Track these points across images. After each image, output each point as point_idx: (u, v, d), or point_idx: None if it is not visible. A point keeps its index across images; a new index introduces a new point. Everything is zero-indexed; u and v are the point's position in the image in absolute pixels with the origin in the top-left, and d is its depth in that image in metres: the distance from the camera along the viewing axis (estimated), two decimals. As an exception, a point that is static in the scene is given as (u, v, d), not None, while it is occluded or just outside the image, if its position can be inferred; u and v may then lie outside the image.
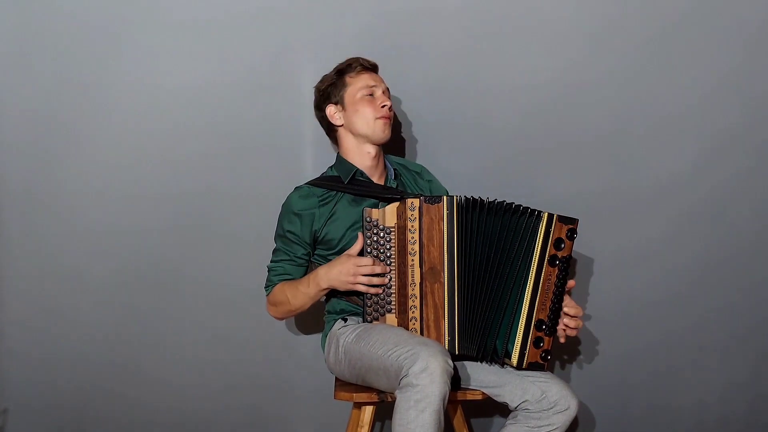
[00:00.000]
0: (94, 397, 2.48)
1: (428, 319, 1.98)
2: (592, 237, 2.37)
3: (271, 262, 2.16)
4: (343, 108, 2.16)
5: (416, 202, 1.98)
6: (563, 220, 1.99)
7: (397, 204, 2.01)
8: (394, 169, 2.22)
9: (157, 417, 2.50)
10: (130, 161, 2.36)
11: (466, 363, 2.08)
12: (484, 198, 2.01)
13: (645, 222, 2.47)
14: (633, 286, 2.51)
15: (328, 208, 2.11)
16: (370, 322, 2.02)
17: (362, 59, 2.18)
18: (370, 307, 2.02)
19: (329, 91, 2.17)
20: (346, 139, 2.18)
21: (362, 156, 2.16)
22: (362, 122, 2.13)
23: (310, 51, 2.31)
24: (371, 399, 2.03)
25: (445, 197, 1.98)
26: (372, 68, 2.19)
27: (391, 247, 2.01)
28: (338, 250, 2.09)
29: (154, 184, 2.37)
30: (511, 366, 2.00)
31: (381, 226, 2.01)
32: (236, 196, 2.39)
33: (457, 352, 1.98)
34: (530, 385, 1.99)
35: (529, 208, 2.00)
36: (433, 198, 1.98)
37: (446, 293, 1.98)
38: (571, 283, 2.05)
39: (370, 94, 2.14)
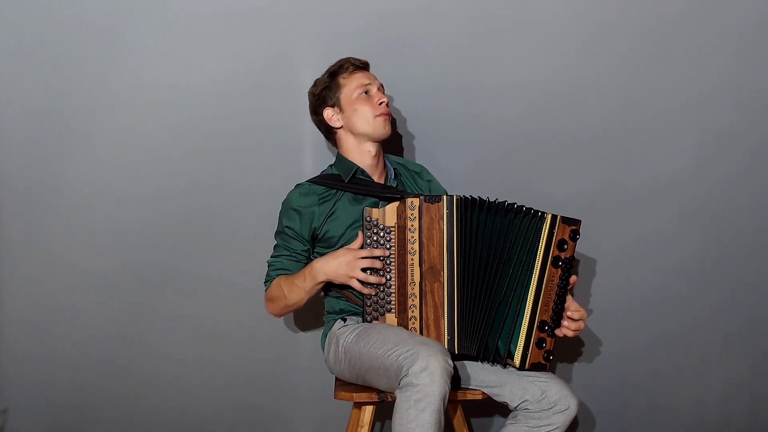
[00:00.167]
0: (94, 396, 2.48)
1: (428, 319, 1.98)
2: (591, 236, 2.37)
3: (270, 257, 2.17)
4: (341, 110, 2.16)
5: (416, 201, 1.98)
6: (566, 221, 1.99)
7: (397, 203, 2.01)
8: (394, 169, 2.22)
9: (157, 416, 2.50)
10: (130, 160, 2.36)
11: (466, 363, 2.07)
12: (486, 198, 2.00)
13: (644, 221, 2.47)
14: (632, 286, 2.51)
15: (328, 206, 2.12)
16: (370, 321, 2.02)
17: (353, 59, 2.18)
18: (369, 306, 2.02)
19: (324, 94, 2.17)
20: (346, 139, 2.18)
21: (362, 155, 2.16)
22: (362, 121, 2.13)
23: (309, 49, 2.32)
24: (371, 399, 2.02)
25: (445, 196, 1.98)
26: (364, 66, 2.19)
27: (391, 246, 2.01)
28: (338, 248, 2.09)
29: (153, 183, 2.37)
30: (514, 367, 2.00)
31: (381, 226, 2.01)
32: (236, 195, 2.39)
33: (456, 352, 1.98)
34: (530, 384, 1.99)
35: (531, 209, 1.99)
36: (433, 197, 1.98)
37: (446, 293, 1.98)
38: (573, 278, 2.05)
39: (366, 92, 2.14)
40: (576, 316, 2.04)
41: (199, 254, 2.42)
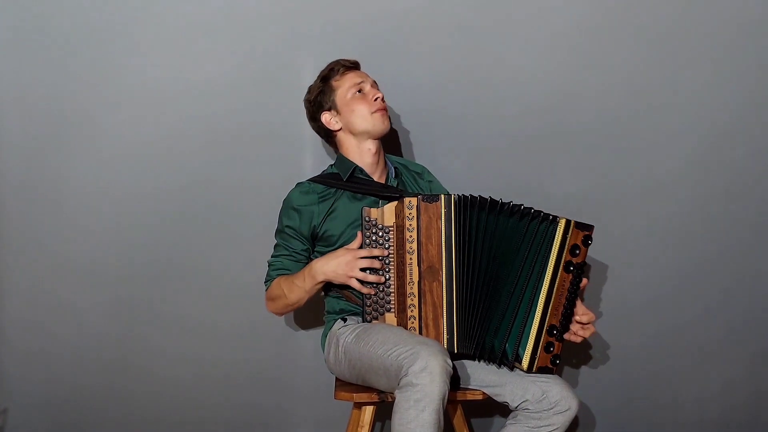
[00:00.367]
0: (95, 394, 2.48)
1: (427, 318, 1.98)
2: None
3: (271, 257, 2.17)
4: (338, 112, 2.16)
5: (414, 201, 1.98)
6: (580, 226, 1.97)
7: (395, 203, 2.01)
8: (395, 168, 2.22)
9: (156, 414, 2.50)
10: (132, 158, 2.36)
11: (466, 362, 2.07)
12: (487, 197, 1.99)
13: (644, 220, 2.47)
14: (631, 285, 2.51)
15: (328, 205, 2.12)
16: (370, 321, 2.02)
17: (342, 60, 2.19)
18: (369, 306, 2.02)
19: (320, 99, 2.18)
20: (346, 140, 2.18)
21: (362, 154, 2.16)
22: (360, 120, 2.13)
23: (310, 47, 2.32)
24: (371, 399, 2.02)
25: (443, 196, 1.98)
26: (354, 66, 2.20)
27: (389, 246, 2.01)
28: (337, 247, 2.10)
29: (155, 181, 2.37)
30: (521, 370, 1.98)
31: (380, 225, 2.01)
32: (237, 193, 2.40)
33: (455, 351, 1.98)
34: (531, 384, 1.98)
35: (541, 212, 1.97)
36: (431, 197, 1.98)
37: (444, 292, 1.98)
38: (584, 282, 2.03)
39: (360, 91, 2.15)
40: (585, 320, 2.03)
41: (199, 253, 2.42)
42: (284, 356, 2.50)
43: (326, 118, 2.18)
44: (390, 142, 2.37)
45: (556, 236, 1.96)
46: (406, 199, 1.99)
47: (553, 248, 1.96)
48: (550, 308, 1.96)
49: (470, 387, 2.06)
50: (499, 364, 2.01)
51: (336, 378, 2.15)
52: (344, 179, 2.14)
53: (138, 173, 2.37)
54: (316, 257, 2.15)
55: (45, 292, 2.42)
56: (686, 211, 2.48)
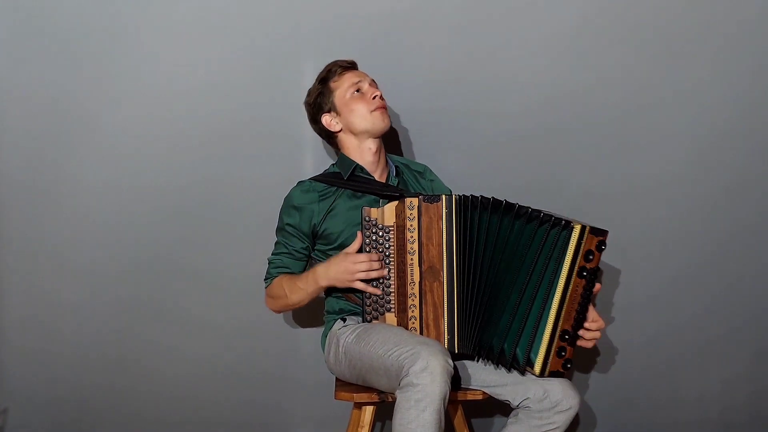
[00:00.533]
0: (95, 392, 2.48)
1: (427, 318, 1.98)
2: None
3: (271, 255, 2.18)
4: (338, 113, 2.17)
5: (415, 201, 1.98)
6: (594, 231, 1.93)
7: (395, 203, 2.01)
8: (396, 167, 2.22)
9: (157, 414, 2.51)
10: (132, 156, 2.36)
11: (467, 362, 2.07)
12: (497, 199, 1.98)
13: (644, 219, 2.47)
14: (631, 284, 2.51)
15: (328, 203, 2.12)
16: (370, 321, 2.02)
17: (339, 61, 2.19)
18: (369, 306, 2.02)
19: (319, 101, 2.18)
20: (347, 140, 2.18)
21: (363, 153, 2.17)
22: (359, 119, 2.14)
23: (311, 46, 2.32)
24: (371, 399, 2.02)
25: (444, 196, 1.98)
26: (352, 66, 2.20)
27: (390, 246, 2.01)
28: (337, 245, 2.10)
29: (155, 180, 2.37)
30: (533, 374, 1.96)
31: (380, 225, 2.01)
32: (237, 192, 2.40)
33: (456, 351, 1.98)
34: (532, 383, 1.97)
35: (552, 216, 1.93)
36: (432, 197, 1.98)
37: (445, 292, 1.98)
38: (597, 287, 2.01)
39: (358, 90, 2.15)
40: (594, 327, 2.00)
41: (200, 252, 2.42)
42: (285, 356, 2.50)
43: (326, 119, 2.18)
44: (390, 142, 2.37)
45: (571, 242, 1.91)
46: (407, 200, 1.99)
47: (567, 254, 1.91)
48: (563, 313, 1.93)
49: (471, 387, 2.06)
50: (510, 368, 1.98)
51: (336, 378, 2.15)
52: (345, 178, 2.14)
53: (138, 172, 2.37)
54: (316, 255, 2.15)
55: (45, 291, 2.42)
56: (686, 210, 2.48)
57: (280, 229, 2.17)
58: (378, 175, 2.18)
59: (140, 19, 2.28)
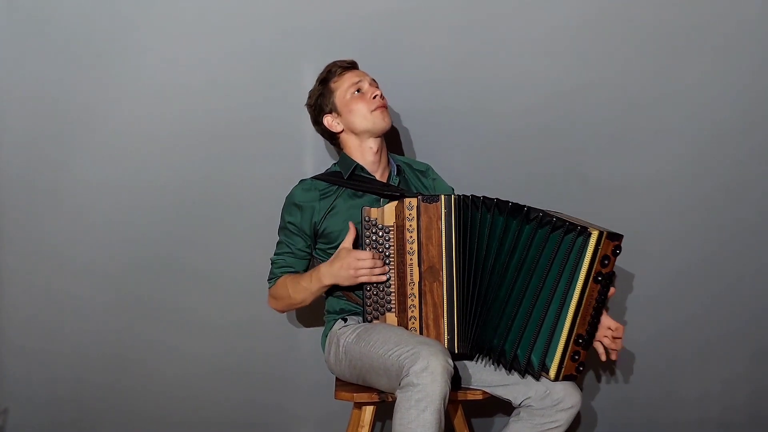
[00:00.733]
0: (96, 392, 2.48)
1: (427, 318, 1.98)
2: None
3: (274, 254, 2.18)
4: (339, 113, 2.17)
5: (414, 201, 1.98)
6: (611, 236, 1.91)
7: (395, 203, 2.01)
8: (397, 166, 2.23)
9: (157, 413, 2.51)
10: (133, 156, 2.36)
11: (467, 362, 2.07)
12: (501, 200, 1.97)
13: (646, 218, 2.47)
14: (632, 283, 2.51)
15: (328, 202, 2.12)
16: (370, 321, 2.02)
17: (339, 61, 2.19)
18: (369, 306, 2.03)
19: (320, 102, 2.18)
20: (349, 140, 2.19)
21: (364, 152, 2.17)
22: (360, 119, 2.14)
23: (311, 45, 2.32)
24: (372, 399, 2.02)
25: (443, 196, 1.98)
26: (351, 66, 2.20)
27: (390, 246, 2.01)
28: (338, 244, 2.10)
29: (155, 180, 2.37)
30: (548, 379, 1.95)
31: (380, 225, 2.01)
32: (238, 192, 2.40)
33: (456, 351, 1.98)
34: (534, 382, 1.97)
35: (566, 222, 1.91)
36: (431, 197, 1.98)
37: (445, 292, 1.98)
38: (611, 291, 2.00)
39: (358, 90, 2.15)
40: (618, 334, 2.02)
41: (200, 251, 2.42)
42: (285, 356, 2.50)
43: (328, 120, 2.18)
44: (391, 141, 2.37)
45: (588, 247, 1.88)
46: (406, 200, 1.99)
47: (584, 259, 1.89)
48: (578, 319, 1.91)
49: (472, 386, 2.06)
50: (523, 374, 1.97)
51: (336, 378, 2.15)
52: (345, 177, 2.14)
53: (139, 172, 2.37)
54: (318, 255, 2.16)
55: (45, 290, 2.42)
56: (686, 210, 2.48)
57: (282, 228, 2.17)
58: (379, 175, 2.18)
59: (140, 19, 2.29)
